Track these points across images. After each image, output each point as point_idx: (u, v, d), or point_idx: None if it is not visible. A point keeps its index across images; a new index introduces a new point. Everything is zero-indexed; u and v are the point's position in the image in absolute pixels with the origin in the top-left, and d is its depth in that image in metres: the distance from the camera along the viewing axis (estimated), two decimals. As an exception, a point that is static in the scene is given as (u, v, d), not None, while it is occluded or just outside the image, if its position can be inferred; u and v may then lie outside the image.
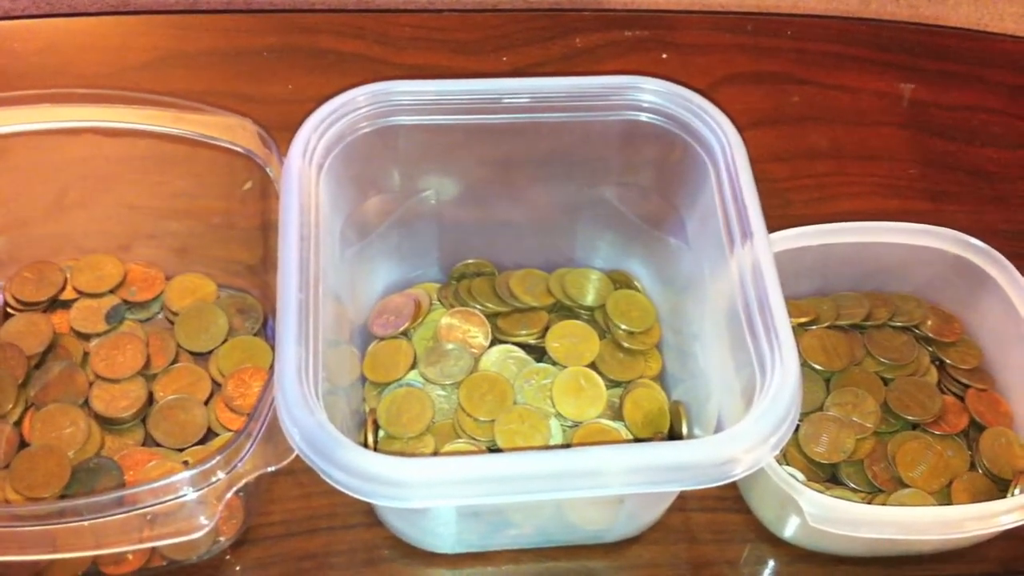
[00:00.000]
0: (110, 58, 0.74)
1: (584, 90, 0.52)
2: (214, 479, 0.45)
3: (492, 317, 0.59)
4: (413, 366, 0.57)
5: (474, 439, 0.55)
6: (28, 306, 0.59)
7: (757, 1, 0.87)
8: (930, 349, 0.61)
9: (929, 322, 0.61)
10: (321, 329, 0.45)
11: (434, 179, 0.56)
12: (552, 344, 0.58)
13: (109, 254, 0.61)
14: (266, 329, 0.60)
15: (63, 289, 0.60)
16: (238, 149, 0.55)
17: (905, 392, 0.58)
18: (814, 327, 0.60)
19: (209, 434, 0.56)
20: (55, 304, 0.60)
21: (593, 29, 0.79)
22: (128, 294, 0.60)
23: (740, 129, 0.51)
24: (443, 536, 0.53)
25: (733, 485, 0.57)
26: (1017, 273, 0.58)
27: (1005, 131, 0.76)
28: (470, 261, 0.61)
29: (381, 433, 0.55)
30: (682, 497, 0.55)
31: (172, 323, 0.60)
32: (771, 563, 0.56)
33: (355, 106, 0.51)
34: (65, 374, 0.56)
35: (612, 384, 0.58)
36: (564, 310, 0.60)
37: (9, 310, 0.59)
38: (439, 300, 0.61)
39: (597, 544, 0.55)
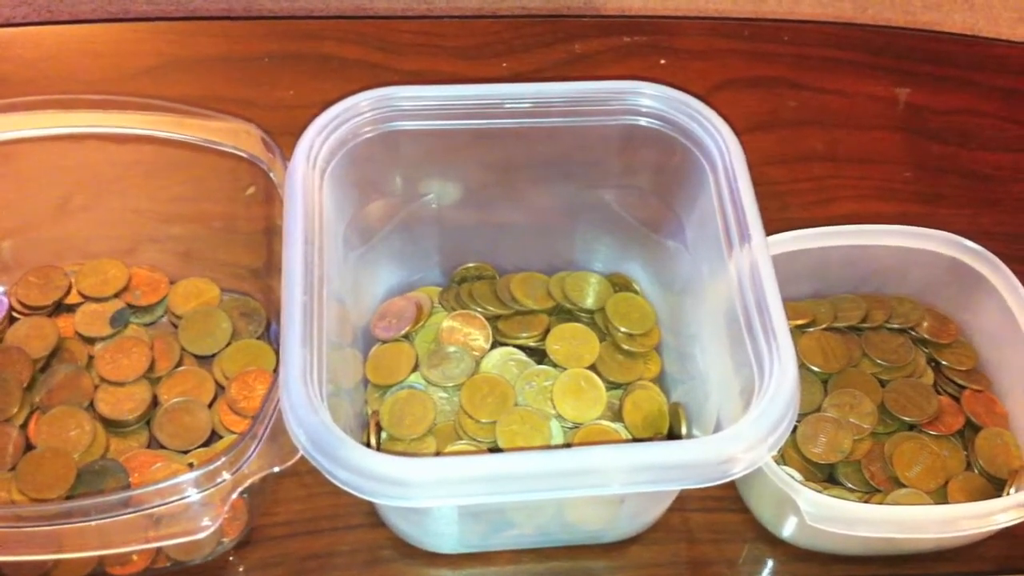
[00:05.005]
0: (113, 64, 0.75)
1: (583, 95, 0.53)
2: (219, 480, 0.46)
3: (493, 320, 0.60)
4: (415, 368, 0.57)
5: (475, 440, 0.55)
6: (33, 310, 0.60)
7: (754, 7, 0.87)
8: (926, 351, 0.61)
9: (925, 324, 0.61)
10: (325, 332, 0.45)
11: (435, 183, 0.57)
12: (552, 346, 0.58)
13: (113, 258, 0.61)
14: (269, 332, 0.60)
15: (68, 293, 0.60)
16: (242, 154, 0.56)
17: (902, 393, 0.58)
18: (812, 329, 0.61)
19: (213, 436, 0.56)
20: (60, 308, 0.60)
21: (592, 35, 0.79)
22: (132, 298, 0.61)
23: (738, 133, 0.51)
24: (445, 536, 0.54)
25: (731, 485, 0.57)
26: (1012, 275, 0.58)
27: (999, 134, 0.76)
28: (471, 264, 0.62)
29: (384, 435, 0.55)
30: (681, 497, 0.56)
31: (176, 327, 0.60)
32: (769, 562, 0.56)
33: (358, 111, 0.51)
34: (70, 377, 0.57)
35: (612, 386, 0.58)
36: (564, 313, 0.61)
37: (14, 314, 0.60)
38: (440, 303, 0.61)
39: (597, 544, 0.56)
